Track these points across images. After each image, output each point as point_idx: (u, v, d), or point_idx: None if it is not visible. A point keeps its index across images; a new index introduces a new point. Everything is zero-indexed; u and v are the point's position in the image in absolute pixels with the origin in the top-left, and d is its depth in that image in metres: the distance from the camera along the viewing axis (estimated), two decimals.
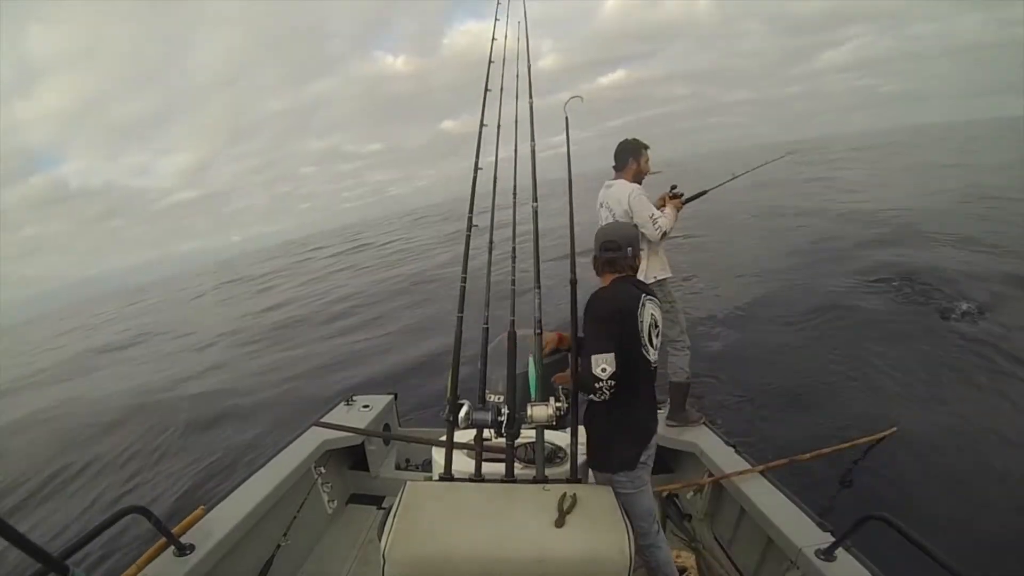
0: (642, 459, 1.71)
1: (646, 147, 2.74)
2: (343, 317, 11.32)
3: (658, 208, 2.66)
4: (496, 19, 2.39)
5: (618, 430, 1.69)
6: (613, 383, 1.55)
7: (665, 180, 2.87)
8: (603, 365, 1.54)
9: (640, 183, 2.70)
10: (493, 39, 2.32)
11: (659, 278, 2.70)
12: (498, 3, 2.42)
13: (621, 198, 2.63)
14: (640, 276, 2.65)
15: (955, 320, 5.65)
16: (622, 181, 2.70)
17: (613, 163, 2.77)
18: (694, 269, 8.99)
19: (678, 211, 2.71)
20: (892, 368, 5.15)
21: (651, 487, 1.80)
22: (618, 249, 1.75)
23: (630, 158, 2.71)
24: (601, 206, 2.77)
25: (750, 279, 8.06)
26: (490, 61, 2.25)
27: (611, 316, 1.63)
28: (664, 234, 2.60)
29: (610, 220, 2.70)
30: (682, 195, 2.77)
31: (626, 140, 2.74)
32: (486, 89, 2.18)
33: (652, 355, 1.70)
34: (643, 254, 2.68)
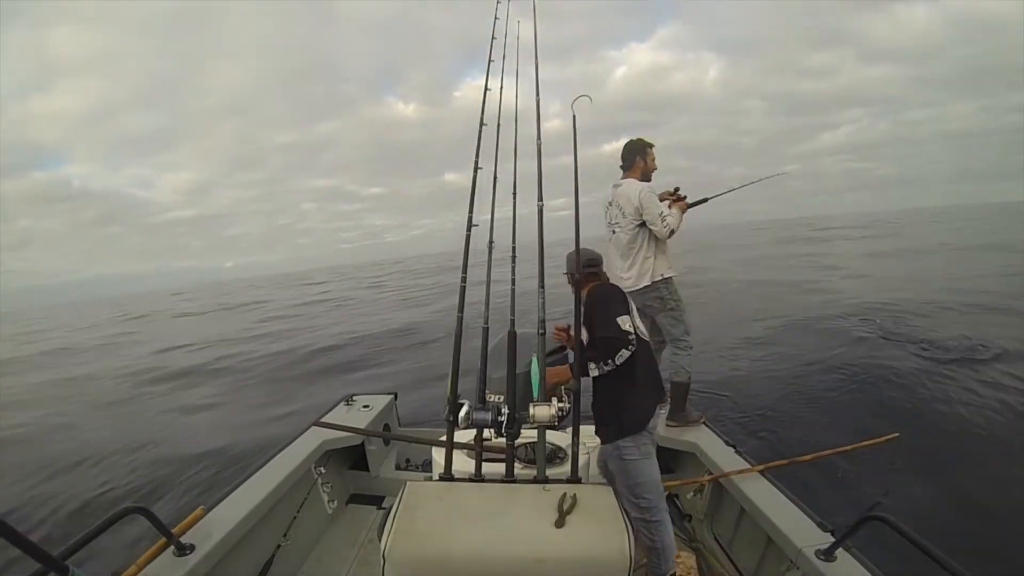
0: (648, 427, 1.86)
1: (651, 145, 2.77)
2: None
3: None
4: (496, 18, 2.38)
5: (624, 399, 1.86)
6: (635, 338, 1.77)
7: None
8: (629, 322, 1.80)
9: (649, 180, 2.74)
10: (493, 37, 2.31)
11: (664, 276, 2.74)
12: (497, 2, 2.41)
13: (631, 195, 2.66)
14: (647, 274, 2.72)
15: (951, 356, 5.72)
16: (631, 180, 2.73)
17: (620, 163, 2.81)
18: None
19: (683, 213, 2.75)
20: (894, 383, 5.24)
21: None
22: (597, 265, 2.10)
23: (637, 157, 2.75)
24: (610, 205, 2.80)
25: (747, 337, 7.81)
26: (490, 60, 2.25)
27: (618, 295, 1.94)
28: (672, 232, 2.64)
29: (619, 218, 2.74)
30: (685, 197, 2.81)
31: (632, 140, 2.79)
32: (486, 88, 2.17)
33: (644, 334, 1.99)
34: (650, 252, 2.72)
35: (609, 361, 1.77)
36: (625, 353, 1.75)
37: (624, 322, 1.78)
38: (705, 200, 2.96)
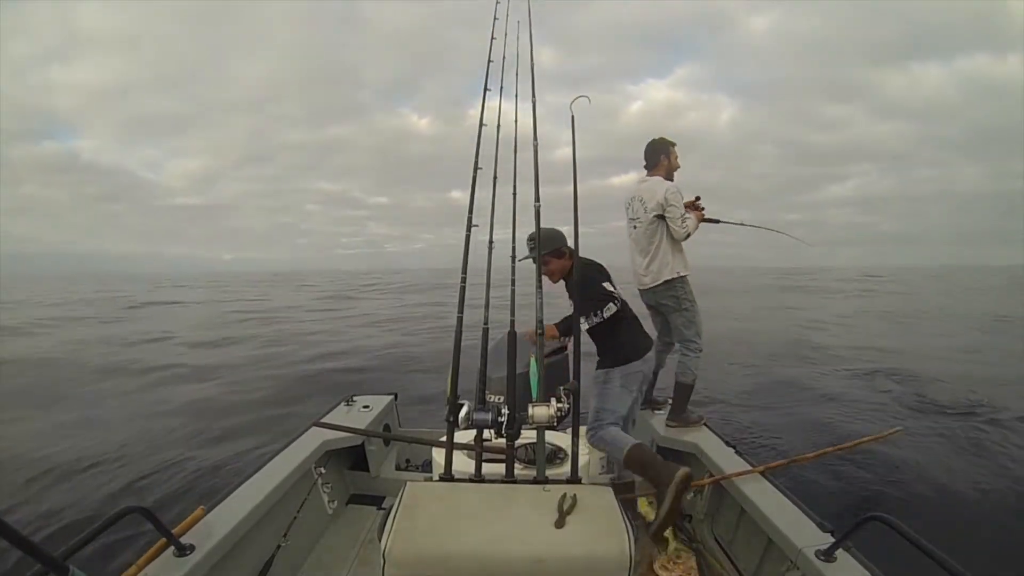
0: (639, 362, 2.33)
1: (673, 144, 2.83)
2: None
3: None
4: (496, 18, 2.38)
5: (616, 340, 2.33)
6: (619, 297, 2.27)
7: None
8: (611, 286, 2.28)
9: (672, 179, 2.79)
10: (493, 38, 2.31)
11: (681, 274, 2.77)
12: (497, 2, 2.41)
13: (657, 191, 2.70)
14: (666, 269, 2.78)
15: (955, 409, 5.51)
16: (658, 177, 2.78)
17: (644, 163, 2.86)
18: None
19: (699, 222, 2.79)
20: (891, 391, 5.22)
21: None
22: (563, 243, 2.35)
23: (662, 155, 2.80)
24: (632, 199, 2.85)
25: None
26: (491, 58, 2.25)
27: (599, 268, 2.39)
28: (688, 235, 2.69)
29: (640, 212, 2.79)
30: (703, 209, 2.85)
31: (654, 139, 2.83)
32: (485, 88, 2.17)
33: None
34: (668, 248, 2.76)
35: (598, 312, 2.20)
36: (612, 307, 2.21)
37: (607, 286, 2.25)
38: (717, 221, 3.01)
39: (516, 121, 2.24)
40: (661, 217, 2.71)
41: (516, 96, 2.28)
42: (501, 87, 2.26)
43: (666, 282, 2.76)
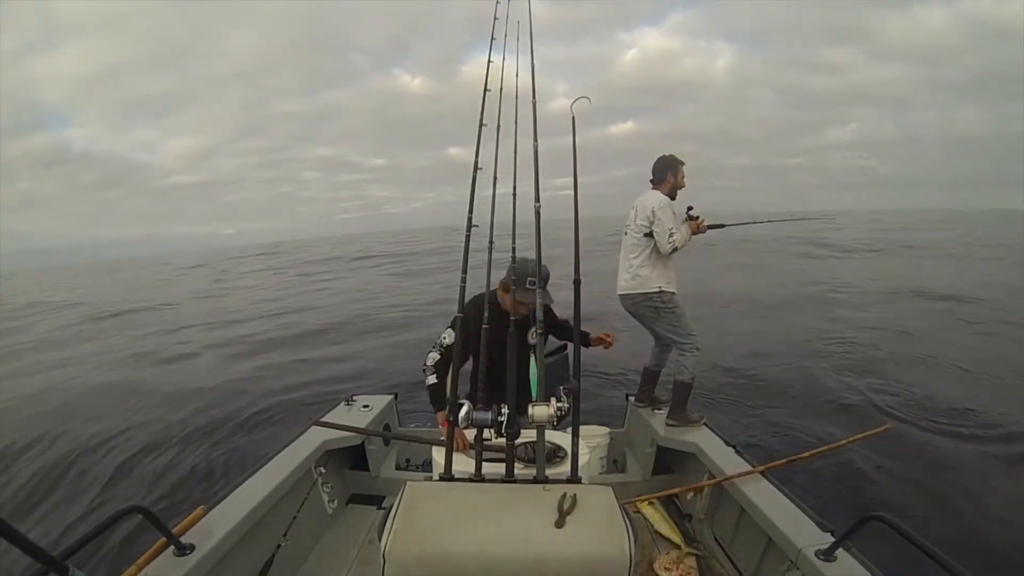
0: None
1: (683, 163, 2.86)
2: None
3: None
4: (496, 18, 2.38)
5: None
6: None
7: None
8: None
9: (674, 197, 2.83)
10: (493, 38, 2.31)
11: (663, 288, 2.79)
12: (497, 2, 2.41)
13: (649, 204, 2.74)
14: (642, 282, 2.80)
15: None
16: (657, 192, 2.82)
17: (651, 177, 2.88)
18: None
19: (693, 233, 2.81)
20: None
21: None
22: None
23: (668, 173, 2.84)
24: (632, 208, 2.91)
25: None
26: (490, 60, 2.24)
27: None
28: (675, 249, 2.71)
29: (632, 221, 2.85)
30: (699, 218, 2.84)
31: (663, 156, 2.86)
32: (485, 89, 2.17)
33: None
34: (649, 262, 2.79)
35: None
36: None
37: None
38: (723, 226, 3.04)
39: (516, 121, 2.23)
40: (650, 235, 2.74)
41: (516, 97, 2.26)
42: (501, 88, 2.24)
43: (643, 294, 2.80)
